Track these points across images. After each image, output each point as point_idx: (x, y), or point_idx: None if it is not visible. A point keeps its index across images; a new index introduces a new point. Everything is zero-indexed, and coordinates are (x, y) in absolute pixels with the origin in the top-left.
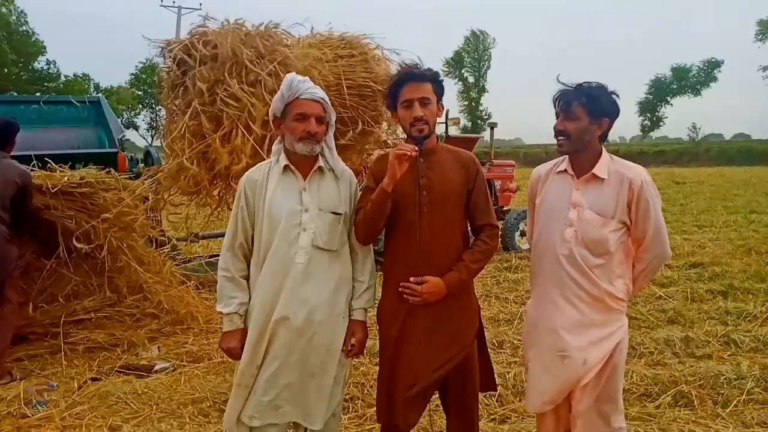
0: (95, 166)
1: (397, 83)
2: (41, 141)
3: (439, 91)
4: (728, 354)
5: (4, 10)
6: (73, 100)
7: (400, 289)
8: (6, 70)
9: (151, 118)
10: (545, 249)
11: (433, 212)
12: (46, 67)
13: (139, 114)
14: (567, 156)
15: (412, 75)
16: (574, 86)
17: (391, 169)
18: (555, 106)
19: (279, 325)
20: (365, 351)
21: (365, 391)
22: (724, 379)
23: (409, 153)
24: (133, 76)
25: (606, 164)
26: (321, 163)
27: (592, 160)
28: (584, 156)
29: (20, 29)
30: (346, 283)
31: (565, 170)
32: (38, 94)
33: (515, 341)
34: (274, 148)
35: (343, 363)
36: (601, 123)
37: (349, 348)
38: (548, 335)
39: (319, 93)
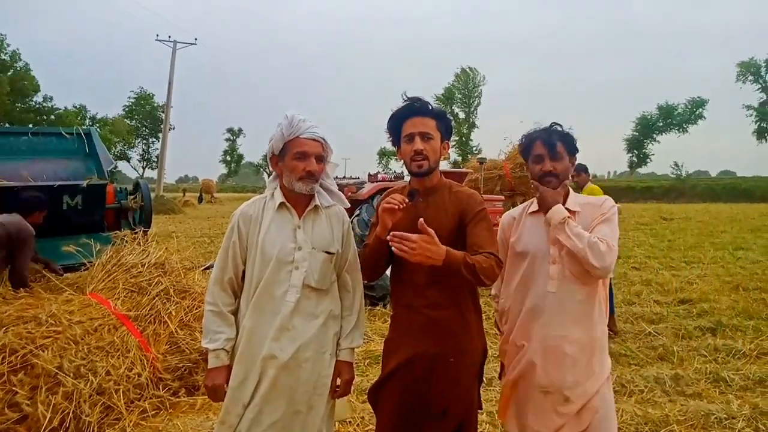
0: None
1: (401, 117)
2: (30, 172)
3: (444, 128)
4: (718, 392)
5: None
6: (63, 132)
7: (389, 238)
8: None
9: (143, 149)
10: (527, 289)
11: None
12: (41, 101)
13: (134, 147)
14: (535, 198)
15: (415, 109)
16: (545, 128)
17: (381, 220)
18: (533, 150)
19: (266, 363)
20: (353, 389)
21: (352, 429)
22: (715, 418)
23: (397, 207)
24: (126, 108)
25: (575, 199)
26: (317, 201)
27: (564, 197)
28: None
29: (15, 65)
30: (334, 321)
31: (538, 210)
32: (30, 125)
33: None
34: (269, 184)
35: (330, 401)
36: (573, 160)
37: (335, 389)
38: (531, 372)
39: (320, 132)
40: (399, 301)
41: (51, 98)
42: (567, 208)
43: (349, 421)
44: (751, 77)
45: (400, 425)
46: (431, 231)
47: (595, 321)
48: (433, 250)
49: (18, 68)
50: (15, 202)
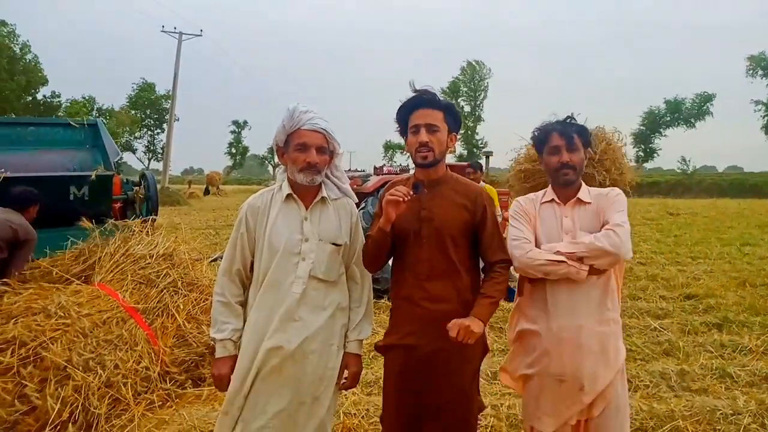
0: None
1: (409, 108)
2: (37, 163)
3: (452, 121)
4: (724, 388)
5: (7, 41)
6: (71, 122)
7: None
8: (8, 95)
9: (148, 141)
10: (543, 278)
11: (434, 245)
12: (49, 96)
13: (140, 138)
14: (547, 188)
15: (423, 101)
16: (562, 120)
17: (384, 212)
18: (549, 142)
19: (272, 354)
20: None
21: (357, 422)
22: (721, 414)
23: (401, 199)
24: (130, 98)
25: (587, 190)
26: (324, 193)
27: (577, 187)
28: (573, 185)
29: (25, 58)
30: (342, 313)
31: (552, 200)
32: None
33: None
34: (278, 176)
35: (335, 393)
36: (587, 153)
37: (342, 381)
38: (546, 361)
39: (321, 123)
40: (398, 294)
41: (59, 95)
42: (579, 199)
43: (353, 413)
44: (761, 72)
45: (401, 415)
46: (461, 322)
47: (608, 310)
48: (477, 331)
49: (27, 60)
50: (9, 197)
